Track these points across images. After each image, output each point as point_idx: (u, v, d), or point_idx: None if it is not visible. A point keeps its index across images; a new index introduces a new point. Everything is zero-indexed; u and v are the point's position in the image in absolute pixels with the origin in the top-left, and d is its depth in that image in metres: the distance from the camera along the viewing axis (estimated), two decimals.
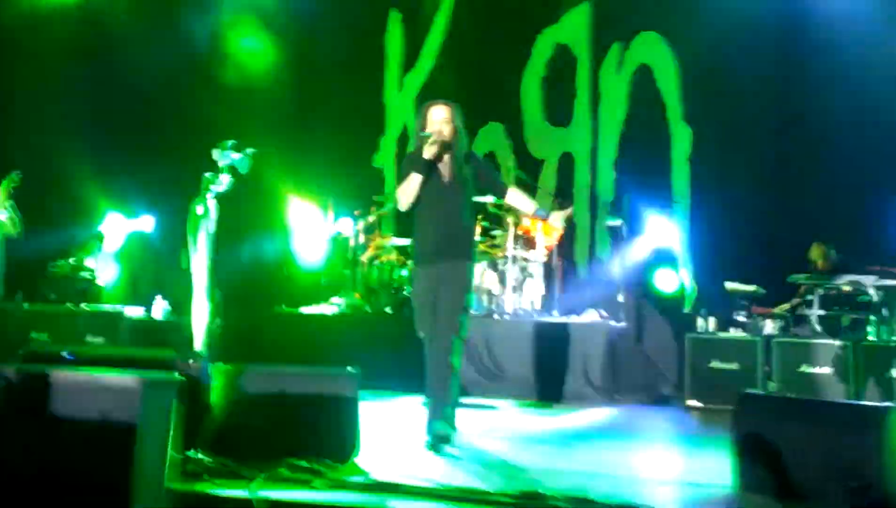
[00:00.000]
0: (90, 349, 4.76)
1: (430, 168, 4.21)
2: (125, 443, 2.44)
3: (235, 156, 4.62)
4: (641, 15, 8.32)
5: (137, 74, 8.68)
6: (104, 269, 7.99)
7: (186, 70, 8.78)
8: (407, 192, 4.22)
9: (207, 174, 4.54)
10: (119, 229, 8.24)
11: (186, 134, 8.40)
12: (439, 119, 4.26)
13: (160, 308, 7.33)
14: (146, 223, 8.34)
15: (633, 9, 8.34)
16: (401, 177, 4.34)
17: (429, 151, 4.17)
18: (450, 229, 4.22)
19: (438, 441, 4.05)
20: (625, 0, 8.37)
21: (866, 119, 6.84)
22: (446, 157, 4.26)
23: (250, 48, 8.76)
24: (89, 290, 7.79)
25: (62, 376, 2.57)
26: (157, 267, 8.18)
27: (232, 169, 4.61)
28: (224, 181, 4.55)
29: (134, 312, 7.31)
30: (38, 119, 8.57)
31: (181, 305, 7.02)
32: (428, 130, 4.22)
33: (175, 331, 6.77)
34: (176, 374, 2.85)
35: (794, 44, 7.53)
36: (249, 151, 4.74)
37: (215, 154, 4.57)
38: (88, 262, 7.92)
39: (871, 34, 6.94)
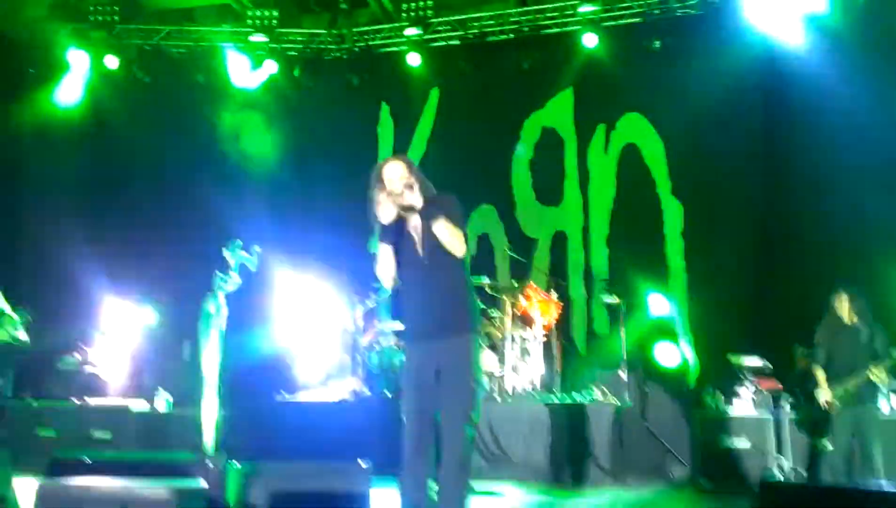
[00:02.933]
0: (109, 454, 4.71)
1: (392, 234, 3.77)
2: None
3: (245, 255, 4.71)
4: (624, 97, 8.67)
5: (139, 167, 8.88)
6: (108, 362, 7.99)
7: (188, 164, 8.98)
8: (382, 269, 3.80)
9: (219, 273, 4.61)
10: (123, 322, 8.28)
11: (190, 232, 8.54)
12: (394, 177, 3.80)
13: (163, 401, 7.31)
14: (148, 315, 8.38)
15: (615, 92, 8.67)
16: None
17: (383, 214, 3.71)
18: (437, 304, 3.78)
19: None
20: (607, 84, 8.66)
21: (855, 184, 7.04)
22: (415, 221, 3.82)
23: (253, 142, 8.98)
24: (94, 384, 7.78)
25: (95, 489, 2.56)
26: (160, 359, 8.17)
27: (242, 267, 4.70)
28: (235, 280, 4.62)
29: (138, 405, 7.32)
30: (49, 219, 8.70)
31: (184, 397, 7.03)
32: (384, 192, 3.75)
33: (179, 424, 6.73)
34: (201, 480, 2.85)
35: (776, 112, 7.85)
36: (257, 249, 4.84)
37: (226, 254, 4.66)
38: (93, 355, 7.92)
39: (850, 105, 7.17)
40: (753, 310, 7.42)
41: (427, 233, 3.82)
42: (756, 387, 6.56)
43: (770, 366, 6.69)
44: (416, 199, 3.78)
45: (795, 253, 7.46)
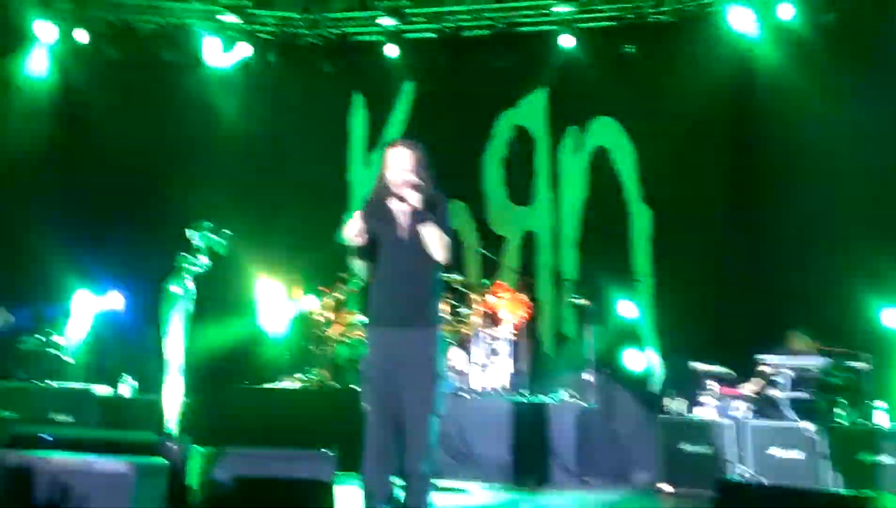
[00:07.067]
0: (70, 431, 4.56)
1: (374, 216, 3.77)
2: None
3: (213, 237, 4.59)
4: (596, 101, 8.70)
5: (109, 152, 8.65)
6: (72, 345, 7.78)
7: (157, 150, 8.78)
8: (350, 229, 3.74)
9: (184, 255, 4.50)
10: (88, 306, 8.07)
11: (155, 213, 8.37)
12: (399, 167, 3.79)
13: (128, 386, 7.15)
14: (115, 301, 8.19)
15: (587, 94, 8.71)
16: None
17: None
18: (406, 292, 3.79)
19: None
20: (580, 86, 8.68)
21: (824, 197, 7.15)
22: (405, 206, 3.80)
23: (224, 124, 8.82)
24: (57, 367, 7.56)
25: (53, 461, 2.47)
26: (125, 345, 7.98)
27: (209, 250, 4.58)
28: (201, 262, 4.51)
29: (102, 390, 7.16)
30: (9, 195, 8.43)
31: (149, 383, 6.86)
32: (387, 176, 3.79)
33: (143, 409, 6.60)
34: (163, 458, 2.76)
35: (746, 122, 7.95)
36: (226, 232, 4.73)
37: (192, 235, 4.53)
38: (56, 339, 7.71)
39: (820, 116, 7.27)
40: (718, 317, 7.50)
41: (413, 222, 3.80)
42: (718, 393, 6.62)
43: (733, 373, 6.76)
44: (415, 200, 3.74)
45: (761, 264, 7.57)
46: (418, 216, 3.76)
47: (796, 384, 6.39)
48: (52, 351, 7.65)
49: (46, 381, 7.21)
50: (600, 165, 8.70)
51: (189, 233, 4.70)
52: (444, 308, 6.72)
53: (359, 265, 3.84)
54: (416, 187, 3.75)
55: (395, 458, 3.81)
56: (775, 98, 7.70)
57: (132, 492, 2.48)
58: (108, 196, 8.72)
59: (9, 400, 6.91)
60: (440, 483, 5.52)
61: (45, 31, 8.79)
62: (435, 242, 3.76)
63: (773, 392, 6.40)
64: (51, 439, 3.04)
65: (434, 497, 3.87)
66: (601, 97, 8.64)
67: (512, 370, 7.29)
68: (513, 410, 6.55)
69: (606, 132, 8.73)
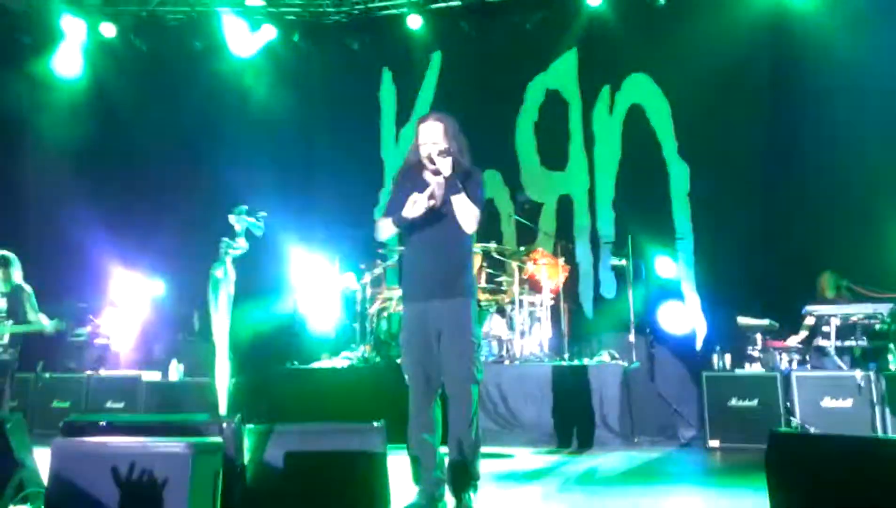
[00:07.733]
0: (123, 417, 4.75)
1: (406, 191, 3.82)
2: None
3: (250, 220, 4.70)
4: (628, 58, 8.55)
5: (144, 143, 8.84)
6: (119, 333, 8.04)
7: (191, 137, 8.93)
8: (382, 231, 3.93)
9: (225, 239, 4.61)
10: (133, 295, 8.31)
11: (194, 200, 8.53)
12: (429, 140, 3.82)
13: (175, 371, 7.35)
14: (158, 288, 8.41)
15: (620, 52, 8.55)
16: (388, 200, 3.98)
17: (412, 210, 3.74)
18: (440, 263, 3.83)
19: None
20: (611, 44, 8.54)
21: (863, 144, 6.98)
22: (439, 177, 3.82)
23: (254, 108, 8.92)
24: (106, 356, 7.83)
25: (110, 445, 2.59)
26: (171, 330, 8.21)
27: (248, 232, 4.69)
28: (241, 245, 4.62)
29: (150, 376, 7.38)
30: (53, 190, 8.70)
31: (196, 366, 7.07)
32: (420, 152, 3.82)
33: (193, 392, 6.80)
34: (218, 438, 2.86)
35: (782, 70, 7.76)
36: (262, 214, 4.83)
37: (231, 219, 4.65)
38: (104, 327, 7.97)
39: (857, 61, 7.11)
40: (761, 270, 7.39)
41: (446, 192, 3.83)
42: (764, 346, 6.56)
43: (776, 324, 6.68)
44: (446, 167, 3.77)
45: (802, 214, 7.43)
46: (451, 185, 3.78)
47: (844, 332, 6.30)
48: (102, 342, 7.93)
49: (98, 370, 7.46)
50: (635, 122, 8.58)
51: (230, 217, 4.81)
52: (477, 277, 6.76)
53: (387, 232, 3.91)
54: (445, 153, 3.76)
55: (440, 427, 3.91)
56: (810, 43, 7.49)
57: (189, 471, 2.59)
58: (146, 186, 8.94)
59: (63, 391, 7.19)
60: (485, 449, 5.59)
61: (74, 27, 8.95)
62: (465, 212, 3.80)
63: (821, 342, 6.33)
64: (105, 425, 3.17)
65: (480, 462, 3.94)
66: (633, 53, 8.49)
67: (552, 335, 7.31)
68: (555, 374, 6.56)
69: (640, 89, 8.60)
